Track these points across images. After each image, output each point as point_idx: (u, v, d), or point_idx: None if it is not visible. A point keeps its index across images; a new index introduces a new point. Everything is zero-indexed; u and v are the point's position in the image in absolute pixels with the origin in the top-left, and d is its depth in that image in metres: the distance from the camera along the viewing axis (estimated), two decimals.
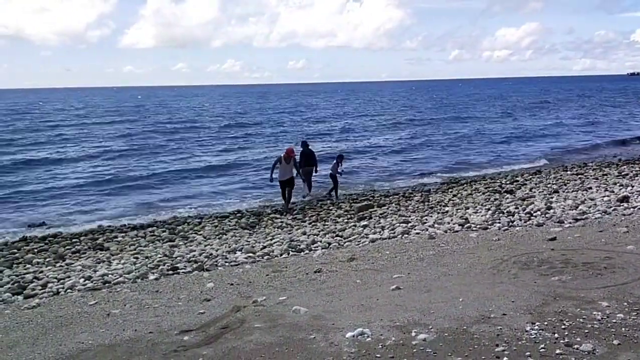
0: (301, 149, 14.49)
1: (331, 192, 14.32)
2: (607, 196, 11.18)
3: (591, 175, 15.17)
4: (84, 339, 4.76)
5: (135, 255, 9.04)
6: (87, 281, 7.51)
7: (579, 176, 15.18)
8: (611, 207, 9.93)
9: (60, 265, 8.73)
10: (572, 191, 12.55)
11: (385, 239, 9.00)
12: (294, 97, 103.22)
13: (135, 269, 8.00)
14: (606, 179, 14.18)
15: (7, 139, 31.14)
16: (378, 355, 3.89)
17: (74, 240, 10.74)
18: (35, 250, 9.96)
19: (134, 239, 10.48)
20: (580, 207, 10.16)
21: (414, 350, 3.95)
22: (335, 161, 14.35)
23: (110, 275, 7.73)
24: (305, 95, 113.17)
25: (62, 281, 7.65)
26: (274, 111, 58.67)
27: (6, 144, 28.88)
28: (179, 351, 4.26)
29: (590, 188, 12.80)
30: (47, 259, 9.22)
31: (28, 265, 8.85)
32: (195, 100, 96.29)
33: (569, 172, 16.28)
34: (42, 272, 8.32)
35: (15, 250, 10.00)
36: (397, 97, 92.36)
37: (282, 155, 13.02)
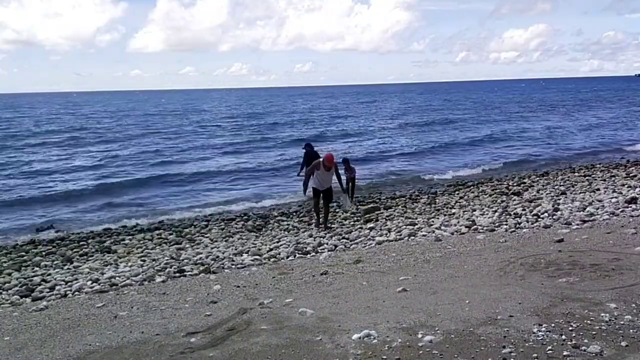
0: (305, 150, 14.16)
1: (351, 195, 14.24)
2: (615, 197, 11.10)
3: (599, 177, 15.07)
4: (92, 341, 4.78)
5: (143, 258, 9.08)
6: (94, 284, 7.56)
7: (587, 178, 15.09)
8: (619, 208, 9.87)
9: (68, 268, 8.78)
10: (580, 193, 12.48)
11: (392, 241, 8.98)
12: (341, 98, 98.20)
13: (142, 272, 8.04)
14: (614, 181, 14.08)
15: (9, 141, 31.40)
16: (384, 357, 3.89)
17: (81, 243, 10.81)
18: (43, 253, 10.04)
19: (141, 242, 10.52)
20: (587, 209, 10.09)
21: (420, 352, 3.94)
22: (343, 166, 14.24)
23: (117, 278, 7.77)
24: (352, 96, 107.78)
25: (69, 284, 7.70)
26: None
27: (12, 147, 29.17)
28: (186, 353, 4.27)
29: (598, 189, 12.72)
30: (55, 262, 9.28)
31: (36, 268, 8.91)
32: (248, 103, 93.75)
33: (576, 174, 16.19)
34: (50, 274, 8.38)
35: (24, 253, 10.07)
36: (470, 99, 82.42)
37: (321, 160, 10.52)
